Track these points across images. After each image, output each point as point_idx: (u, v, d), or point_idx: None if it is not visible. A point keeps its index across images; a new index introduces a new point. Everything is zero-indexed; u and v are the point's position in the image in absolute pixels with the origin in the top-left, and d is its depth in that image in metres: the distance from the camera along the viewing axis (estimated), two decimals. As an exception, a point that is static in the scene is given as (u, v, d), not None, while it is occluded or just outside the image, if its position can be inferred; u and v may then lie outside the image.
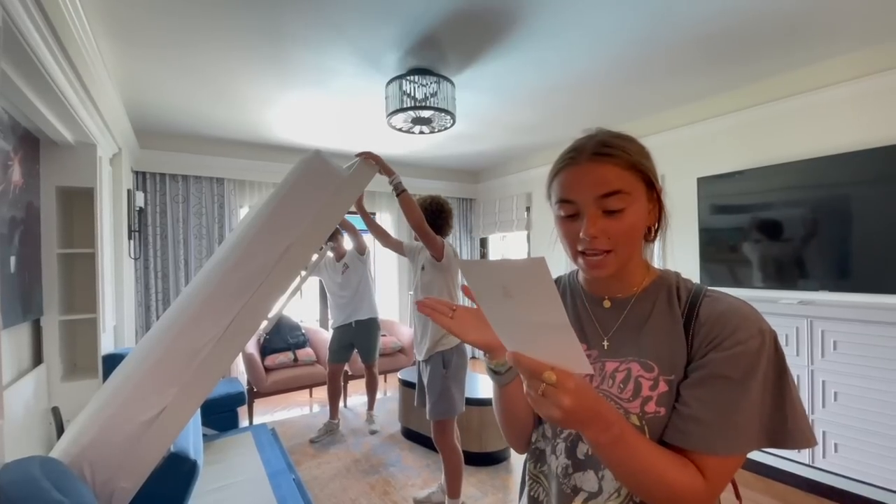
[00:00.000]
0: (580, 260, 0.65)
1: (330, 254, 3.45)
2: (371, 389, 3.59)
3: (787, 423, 0.57)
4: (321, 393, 4.27)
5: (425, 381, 2.24)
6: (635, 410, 0.62)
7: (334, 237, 3.36)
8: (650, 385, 0.62)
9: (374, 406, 3.63)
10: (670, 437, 0.59)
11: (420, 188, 5.15)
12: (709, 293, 0.65)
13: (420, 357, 2.27)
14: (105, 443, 1.28)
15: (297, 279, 1.66)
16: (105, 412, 1.33)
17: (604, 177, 0.62)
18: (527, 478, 0.77)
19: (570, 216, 0.65)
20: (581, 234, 0.63)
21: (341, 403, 3.96)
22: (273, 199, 1.56)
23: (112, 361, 2.43)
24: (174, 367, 1.40)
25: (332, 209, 1.59)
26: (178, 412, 1.38)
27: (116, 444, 1.29)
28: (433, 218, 2.27)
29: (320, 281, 4.24)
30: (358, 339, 3.41)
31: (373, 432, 3.40)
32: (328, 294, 3.51)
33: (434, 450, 3.03)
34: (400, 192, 2.00)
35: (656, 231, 0.69)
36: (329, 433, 3.33)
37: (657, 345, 0.64)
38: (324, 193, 1.56)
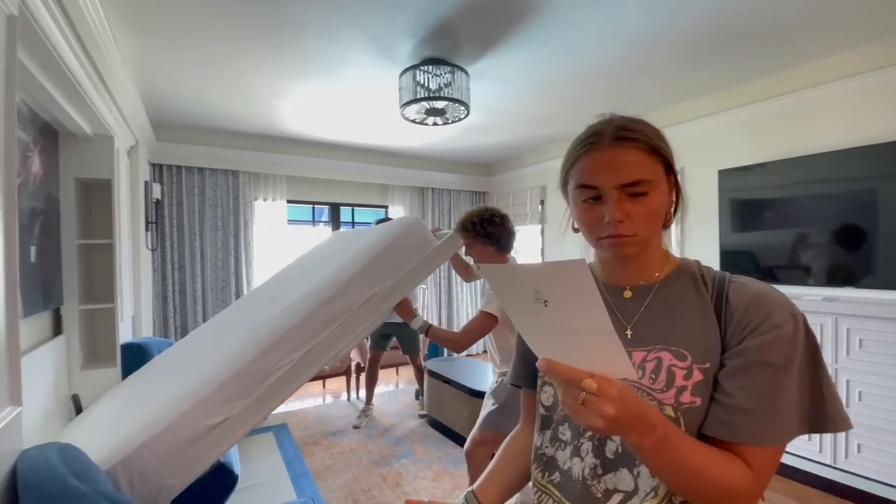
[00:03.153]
0: (603, 241, 0.64)
1: None
2: (420, 380, 3.70)
3: (825, 407, 0.55)
4: (334, 384, 4.31)
5: (492, 388, 2.00)
6: (669, 401, 0.59)
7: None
8: (684, 374, 0.59)
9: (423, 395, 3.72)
10: (713, 430, 0.57)
11: (433, 181, 5.14)
12: (733, 279, 0.63)
13: (498, 369, 2.04)
14: (170, 437, 1.34)
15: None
16: (178, 409, 1.39)
17: (627, 163, 0.61)
18: (533, 489, 0.74)
19: (590, 200, 0.63)
20: (606, 218, 0.61)
21: (353, 395, 4.01)
22: (372, 250, 1.74)
23: (130, 350, 2.48)
24: (249, 382, 1.50)
25: (420, 271, 1.78)
26: (239, 424, 1.45)
27: (179, 441, 1.35)
28: (508, 238, 1.97)
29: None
30: (398, 332, 3.57)
31: (422, 416, 3.54)
32: None
33: (450, 439, 3.05)
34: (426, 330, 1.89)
35: (674, 214, 0.68)
36: (366, 417, 3.50)
37: (689, 332, 0.61)
38: (416, 257, 1.76)
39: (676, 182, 0.66)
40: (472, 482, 1.97)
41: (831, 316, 2.27)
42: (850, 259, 2.39)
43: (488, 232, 1.93)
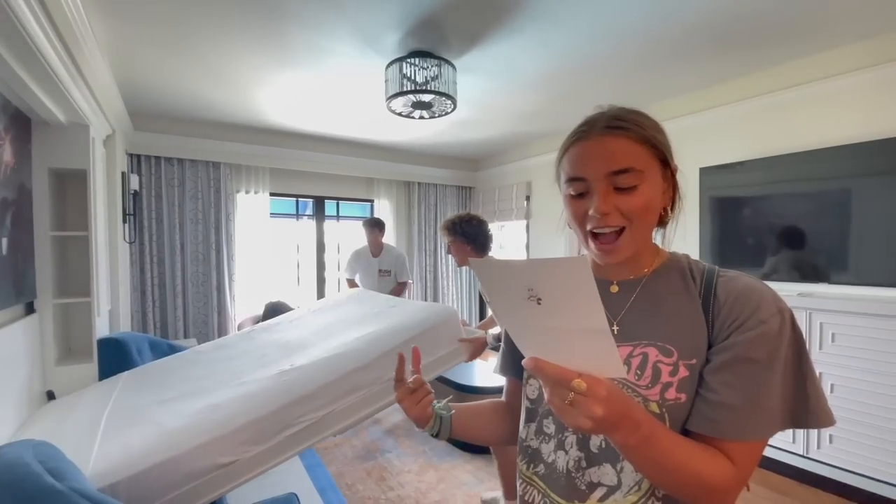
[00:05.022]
0: (592, 243, 0.62)
1: (365, 250, 3.66)
2: None
3: (809, 403, 0.56)
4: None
5: None
6: (654, 398, 0.59)
7: (372, 229, 3.53)
8: (669, 370, 0.59)
9: None
10: (696, 426, 0.57)
11: (419, 176, 5.12)
12: (722, 272, 0.62)
13: None
14: (181, 466, 1.35)
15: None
16: (195, 439, 1.40)
17: (615, 151, 0.59)
18: (518, 480, 0.74)
19: (579, 194, 0.62)
20: (591, 211, 0.59)
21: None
22: (407, 331, 1.90)
23: (107, 346, 2.41)
24: (268, 429, 1.53)
25: (447, 361, 1.95)
26: (245, 469, 1.46)
27: (188, 472, 1.36)
28: (484, 240, 2.24)
29: (318, 266, 4.28)
30: None
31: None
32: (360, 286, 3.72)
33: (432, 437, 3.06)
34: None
35: (670, 212, 0.66)
36: None
37: (675, 327, 0.61)
38: (445, 347, 1.94)
39: (673, 177, 0.64)
40: (502, 472, 2.10)
41: (805, 311, 2.34)
42: (824, 256, 2.46)
43: (465, 231, 2.20)
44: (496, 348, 1.92)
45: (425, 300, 5.23)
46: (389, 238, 4.99)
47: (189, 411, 1.58)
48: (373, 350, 1.82)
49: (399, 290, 3.62)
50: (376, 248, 3.63)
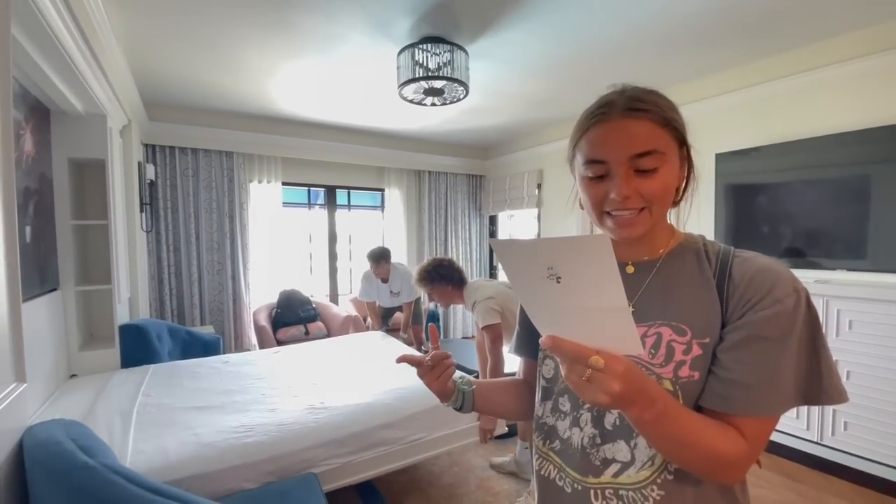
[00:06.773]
0: (607, 221, 0.62)
1: (373, 275, 3.69)
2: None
3: (822, 381, 0.56)
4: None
5: None
6: (668, 376, 0.59)
7: (378, 262, 3.54)
8: (683, 349, 0.59)
9: None
10: (709, 402, 0.58)
11: (430, 164, 5.11)
12: (738, 253, 0.62)
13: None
14: (212, 482, 1.41)
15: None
16: (229, 459, 1.48)
17: (638, 134, 0.58)
18: (534, 456, 0.76)
19: (598, 177, 0.61)
20: (612, 194, 0.59)
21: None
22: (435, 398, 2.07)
23: (129, 332, 2.48)
24: (293, 466, 1.62)
25: (462, 437, 2.08)
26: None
27: (217, 490, 1.41)
28: (458, 273, 2.42)
29: (331, 256, 4.31)
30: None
31: None
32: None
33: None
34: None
35: (683, 191, 0.66)
36: None
37: (689, 307, 0.61)
38: (464, 421, 2.04)
39: (689, 156, 0.64)
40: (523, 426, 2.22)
41: (822, 298, 2.31)
42: (842, 242, 2.42)
43: (441, 274, 2.40)
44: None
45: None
46: (400, 226, 5.01)
47: (223, 427, 1.64)
48: (401, 409, 1.90)
49: (408, 307, 3.70)
50: (384, 274, 3.64)
